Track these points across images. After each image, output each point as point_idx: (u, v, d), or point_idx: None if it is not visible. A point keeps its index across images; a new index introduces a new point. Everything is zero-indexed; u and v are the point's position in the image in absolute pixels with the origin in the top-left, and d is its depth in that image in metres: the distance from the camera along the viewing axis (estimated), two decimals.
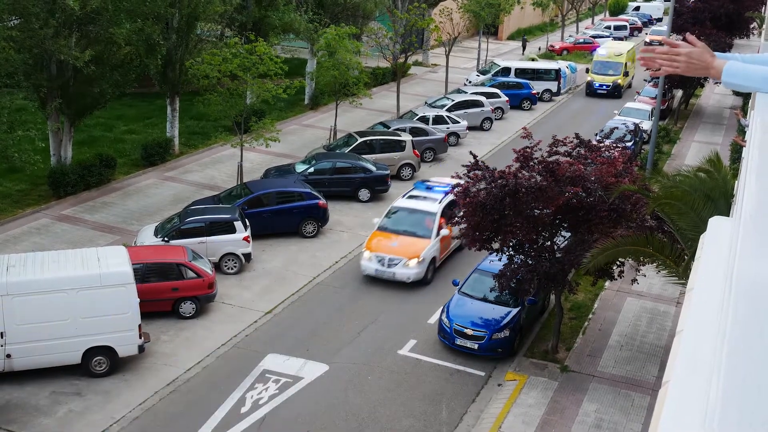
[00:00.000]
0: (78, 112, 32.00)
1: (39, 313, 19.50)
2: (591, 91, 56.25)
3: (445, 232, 26.98)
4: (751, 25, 59.79)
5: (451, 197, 26.90)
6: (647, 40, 70.95)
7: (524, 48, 75.15)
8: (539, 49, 74.99)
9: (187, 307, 23.49)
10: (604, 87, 55.86)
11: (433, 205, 27.84)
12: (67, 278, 19.80)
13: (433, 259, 26.61)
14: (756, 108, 4.10)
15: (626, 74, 57.53)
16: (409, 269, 25.83)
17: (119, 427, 18.71)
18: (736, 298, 2.15)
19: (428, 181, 30.87)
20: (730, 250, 2.95)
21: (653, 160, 36.48)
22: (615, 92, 55.72)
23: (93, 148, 36.08)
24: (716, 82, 4.20)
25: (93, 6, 29.01)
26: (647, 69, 4.38)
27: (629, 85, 59.09)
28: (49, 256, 20.92)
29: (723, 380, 1.83)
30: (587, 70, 58.75)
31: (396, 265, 25.84)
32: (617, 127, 37.63)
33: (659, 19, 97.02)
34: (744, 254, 2.37)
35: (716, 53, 4.09)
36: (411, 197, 28.78)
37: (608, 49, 58.71)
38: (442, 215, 27.32)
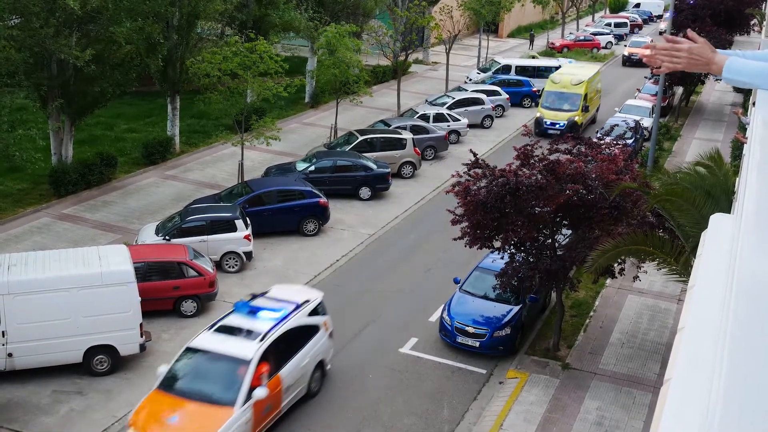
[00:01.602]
0: (79, 111, 32.01)
1: (40, 312, 19.51)
2: (540, 130, 42.36)
3: (261, 393, 16.98)
4: (752, 22, 59.75)
5: (286, 327, 18.75)
6: (626, 54, 67.72)
7: (531, 42, 75.29)
8: (547, 44, 75.04)
9: (188, 306, 23.50)
10: (557, 126, 42.57)
11: (249, 345, 17.72)
12: (69, 277, 19.81)
13: None
14: (757, 105, 4.09)
15: (586, 109, 44.96)
16: None
17: (120, 426, 18.70)
18: (737, 296, 2.15)
19: (259, 296, 20.05)
20: (732, 247, 2.95)
21: (654, 158, 36.46)
22: (571, 133, 42.10)
23: (94, 147, 36.08)
24: (717, 79, 4.20)
25: (93, 5, 29.01)
26: (651, 67, 4.38)
27: (592, 121, 46.89)
28: (50, 255, 20.93)
29: (724, 378, 1.83)
30: (537, 102, 47.20)
31: None
32: (618, 125, 37.64)
33: (659, 16, 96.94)
34: (745, 251, 2.37)
35: (719, 50, 4.09)
36: (220, 329, 18.46)
37: (563, 75, 46.29)
38: (264, 360, 17.60)
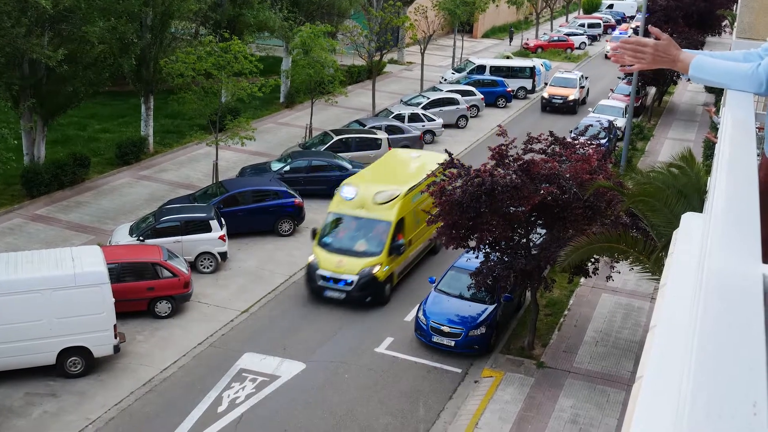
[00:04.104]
0: (51, 111, 31.73)
1: (13, 314, 19.32)
2: (312, 288, 24.91)
3: None
4: (723, 23, 60.31)
5: None
6: (545, 95, 50.84)
7: (511, 39, 75.70)
8: (522, 44, 75.45)
9: (163, 307, 23.38)
10: (341, 284, 24.35)
11: None
12: (42, 278, 19.64)
13: None
14: (727, 105, 4.14)
15: (399, 251, 25.19)
16: None
17: (94, 428, 18.60)
18: (706, 294, 2.18)
19: None
20: (702, 246, 2.98)
21: (627, 157, 36.72)
22: (368, 295, 24.39)
23: (67, 147, 35.80)
24: (687, 79, 4.22)
25: (66, 4, 28.75)
26: (619, 65, 4.41)
27: (400, 277, 25.96)
28: (22, 256, 20.75)
29: (693, 375, 1.85)
30: (313, 233, 26.05)
31: None
32: (591, 125, 37.88)
33: (632, 17, 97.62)
34: (714, 250, 2.41)
35: (685, 50, 4.13)
36: None
37: (364, 182, 26.77)
38: None
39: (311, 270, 24.91)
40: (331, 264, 24.59)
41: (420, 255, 27.44)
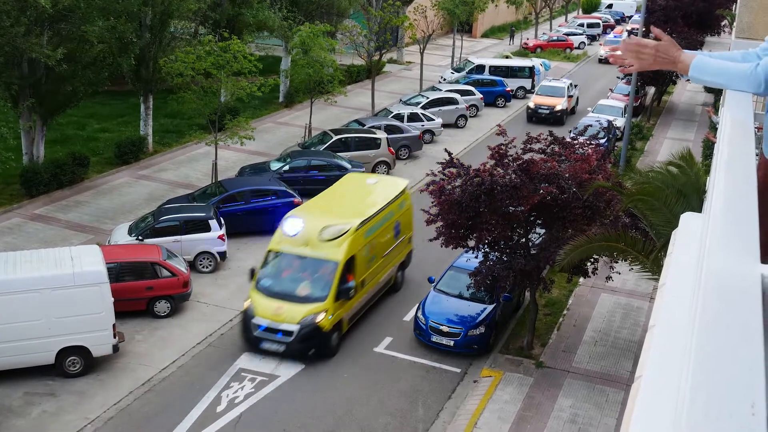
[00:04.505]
0: (50, 110, 31.71)
1: (11, 314, 19.32)
2: (248, 338, 21.85)
3: None
4: (722, 23, 60.30)
5: None
6: (531, 105, 48.07)
7: (512, 38, 75.60)
8: (521, 43, 75.43)
9: (162, 306, 23.38)
10: (278, 335, 21.30)
11: None
12: (41, 278, 19.63)
13: None
14: (726, 105, 4.14)
15: (348, 294, 21.94)
16: None
17: (93, 428, 18.60)
18: (705, 294, 2.18)
19: None
20: (701, 246, 2.99)
21: (626, 157, 36.71)
22: (310, 347, 21.35)
23: (66, 147, 35.78)
24: (686, 79, 4.21)
25: (65, 3, 28.74)
26: (618, 66, 4.40)
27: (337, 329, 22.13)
28: (21, 255, 20.75)
29: (692, 374, 1.86)
30: (252, 273, 22.81)
31: None
32: (591, 125, 37.85)
33: (631, 17, 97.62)
34: (713, 250, 2.41)
35: (686, 50, 4.12)
36: None
37: (310, 216, 23.27)
38: None
39: (246, 318, 21.71)
40: (268, 311, 21.36)
41: (376, 295, 24.48)
